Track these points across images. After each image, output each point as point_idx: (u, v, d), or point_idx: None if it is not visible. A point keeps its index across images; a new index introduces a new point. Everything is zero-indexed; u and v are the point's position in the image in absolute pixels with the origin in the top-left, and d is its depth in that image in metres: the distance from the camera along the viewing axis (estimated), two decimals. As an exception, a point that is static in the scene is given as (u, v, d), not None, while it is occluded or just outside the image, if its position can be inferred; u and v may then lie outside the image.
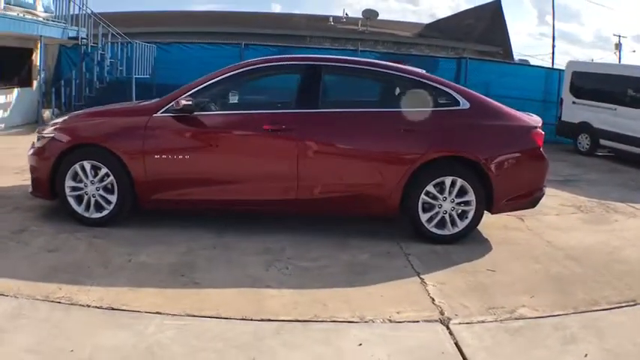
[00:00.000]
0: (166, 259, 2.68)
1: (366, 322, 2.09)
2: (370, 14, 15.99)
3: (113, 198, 3.09)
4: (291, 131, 3.07)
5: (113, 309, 2.05)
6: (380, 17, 16.67)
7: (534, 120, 3.49)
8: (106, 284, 2.29)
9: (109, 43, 9.31)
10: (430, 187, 3.15)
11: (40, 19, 8.21)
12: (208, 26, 14.78)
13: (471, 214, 3.20)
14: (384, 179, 3.13)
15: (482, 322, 2.14)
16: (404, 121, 3.16)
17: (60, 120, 3.40)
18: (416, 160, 3.10)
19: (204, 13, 17.99)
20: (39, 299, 2.07)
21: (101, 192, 3.09)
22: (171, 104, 3.08)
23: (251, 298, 2.26)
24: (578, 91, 8.77)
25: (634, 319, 2.24)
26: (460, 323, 2.12)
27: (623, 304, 2.37)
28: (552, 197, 4.81)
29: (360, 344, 1.90)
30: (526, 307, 2.31)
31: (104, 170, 3.06)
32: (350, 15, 17.10)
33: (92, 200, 3.10)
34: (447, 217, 3.20)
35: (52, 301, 2.07)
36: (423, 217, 3.18)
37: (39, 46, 9.16)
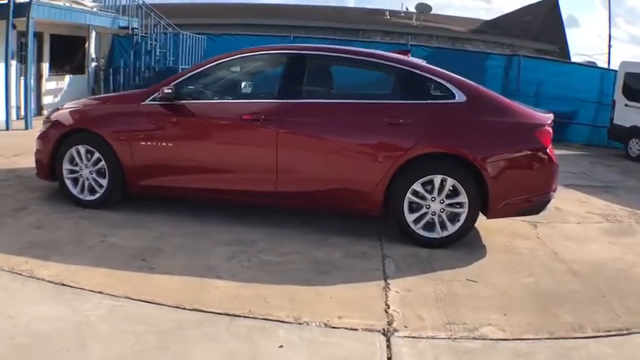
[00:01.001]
0: (137, 242, 2.85)
1: (299, 323, 2.07)
2: (423, 8, 15.87)
3: (105, 182, 3.34)
4: (271, 121, 3.09)
5: (63, 285, 2.24)
6: (448, 13, 16.75)
7: (542, 117, 3.21)
8: (69, 262, 2.50)
9: (160, 34, 10.08)
10: (417, 186, 3.02)
11: (88, 8, 9.10)
12: (260, 18, 15.45)
13: (462, 217, 3.03)
14: (366, 175, 3.06)
15: (432, 338, 2.02)
16: (388, 114, 3.06)
17: (64, 106, 3.75)
18: (400, 157, 2.98)
19: (256, 5, 18.90)
20: (5, 270, 2.33)
21: (94, 175, 3.35)
22: (157, 93, 3.27)
23: (195, 287, 2.34)
24: (631, 93, 8.38)
25: (620, 352, 1.97)
26: (405, 337, 2.01)
27: (613, 333, 2.10)
28: (582, 204, 4.57)
29: (281, 346, 1.89)
30: (492, 326, 2.13)
31: (97, 155, 3.32)
32: (410, 10, 17.21)
33: (86, 183, 3.38)
34: (436, 218, 3.05)
35: (15, 273, 2.31)
36: (410, 217, 3.06)
37: (92, 34, 10.24)
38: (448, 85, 3.11)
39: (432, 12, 16.27)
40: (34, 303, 2.08)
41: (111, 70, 9.92)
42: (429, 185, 3.03)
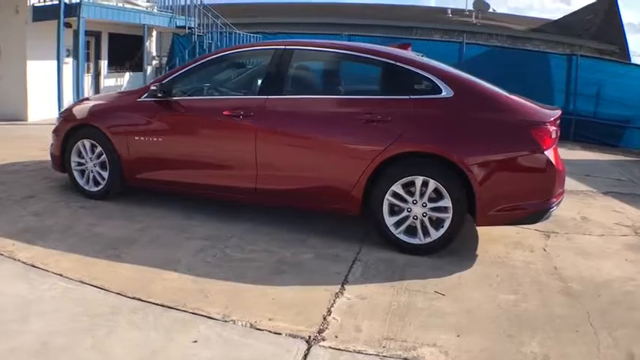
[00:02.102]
0: (118, 233, 3.11)
1: (225, 321, 2.12)
2: (481, 6, 15.78)
3: (106, 175, 3.69)
4: (250, 118, 3.18)
5: (33, 266, 2.54)
6: (523, 13, 17.11)
7: (541, 113, 2.94)
8: (49, 247, 2.81)
9: (217, 32, 10.87)
10: (397, 187, 2.92)
11: (143, 8, 10.00)
12: (315, 17, 16.15)
13: (446, 223, 2.88)
14: (344, 174, 3.02)
15: (358, 352, 1.95)
16: (365, 110, 2.99)
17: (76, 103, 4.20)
18: (377, 156, 2.91)
19: (311, 4, 19.60)
20: (-9, 251, 2.74)
21: (97, 168, 3.72)
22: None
23: (148, 277, 2.50)
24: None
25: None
26: (329, 347, 1.97)
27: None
28: (615, 214, 4.20)
29: (195, 341, 1.96)
30: (436, 347, 2.00)
31: (99, 149, 3.68)
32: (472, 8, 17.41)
33: (91, 175, 3.76)
34: (418, 223, 2.93)
35: (-2, 254, 2.71)
36: (390, 220, 2.97)
37: (153, 33, 11.27)
38: (434, 79, 2.97)
39: (501, 10, 16.79)
40: (2, 281, 2.38)
41: (168, 68, 10.87)
42: (410, 187, 2.92)
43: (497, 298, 2.49)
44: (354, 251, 3.01)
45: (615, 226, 3.94)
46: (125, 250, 2.86)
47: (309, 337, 2.04)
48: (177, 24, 10.83)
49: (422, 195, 2.90)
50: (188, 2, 10.84)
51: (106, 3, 8.77)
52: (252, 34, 11.32)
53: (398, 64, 3.08)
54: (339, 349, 1.96)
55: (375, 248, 3.05)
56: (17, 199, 3.69)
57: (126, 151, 3.58)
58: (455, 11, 17.32)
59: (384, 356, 1.93)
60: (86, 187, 3.79)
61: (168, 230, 3.21)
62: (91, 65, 9.92)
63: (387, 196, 2.95)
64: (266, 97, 3.21)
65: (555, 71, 9.77)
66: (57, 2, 7.58)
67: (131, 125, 3.55)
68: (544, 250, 3.27)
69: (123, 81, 10.68)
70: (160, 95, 3.38)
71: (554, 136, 2.96)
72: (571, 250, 3.29)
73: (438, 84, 2.96)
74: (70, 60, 8.41)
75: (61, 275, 2.47)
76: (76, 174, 3.82)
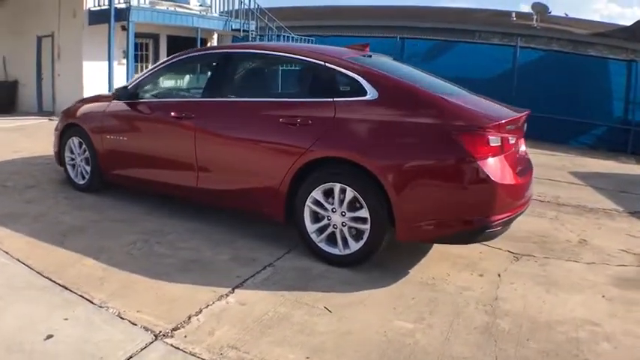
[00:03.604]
0: (77, 222, 3.63)
1: (101, 307, 2.44)
2: (540, 8, 15.42)
3: (89, 169, 4.33)
4: (190, 119, 3.50)
5: (-12, 244, 3.19)
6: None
7: (481, 118, 2.78)
8: (16, 229, 3.40)
9: (273, 35, 11.64)
10: (317, 194, 3.01)
11: (195, 12, 10.98)
12: (370, 19, 16.88)
13: (365, 235, 2.89)
14: (267, 178, 3.19)
15: (193, 354, 2.10)
16: (285, 113, 3.11)
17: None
18: (296, 160, 3.01)
19: (367, 7, 20.64)
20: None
21: (83, 163, 4.35)
22: (118, 92, 4.06)
23: (70, 262, 2.93)
24: None
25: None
26: (171, 344, 2.16)
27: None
28: (628, 238, 3.96)
29: (66, 319, 2.32)
30: None
31: (84, 146, 4.31)
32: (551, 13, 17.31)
33: (79, 169, 4.42)
34: (337, 233, 3.00)
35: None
36: (311, 227, 3.07)
37: (213, 36, 12.32)
38: (360, 80, 2.97)
39: (572, 14, 16.23)
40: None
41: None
42: (330, 194, 2.99)
43: (391, 324, 2.44)
44: (276, 257, 3.16)
45: (617, 254, 3.60)
46: (71, 237, 3.35)
47: (160, 332, 2.26)
48: (233, 27, 11.73)
49: (341, 203, 2.95)
50: (244, 6, 11.76)
51: (158, 7, 9.85)
52: (305, 37, 11.91)
53: (326, 64, 3.14)
54: (177, 348, 2.16)
55: (300, 256, 3.17)
56: (21, 188, 4.46)
57: (101, 148, 4.14)
58: (519, 15, 16.97)
59: None
60: (75, 180, 4.46)
61: (120, 223, 3.67)
62: (149, 66, 11.18)
63: (308, 203, 3.04)
64: (204, 99, 3.54)
65: (614, 78, 9.22)
66: (107, 7, 8.77)
67: (103, 125, 4.11)
68: (498, 275, 3.10)
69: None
70: (121, 98, 3.89)
71: (496, 143, 2.78)
72: (535, 278, 3.08)
73: (364, 85, 2.97)
74: (125, 61, 9.62)
75: (7, 253, 3.02)
76: (69, 168, 4.51)
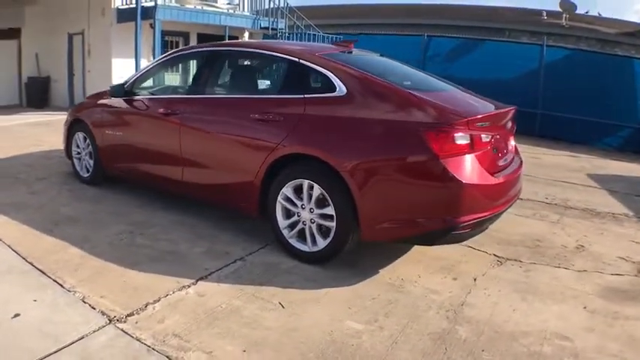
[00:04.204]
0: (73, 212, 3.93)
1: (69, 291, 2.67)
2: (568, 6, 15.27)
3: (92, 163, 4.68)
4: (176, 115, 3.71)
5: (-14, 230, 3.52)
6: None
7: (449, 113, 2.79)
8: (15, 217, 3.72)
9: (301, 33, 11.93)
10: (288, 190, 3.12)
11: (223, 10, 11.33)
12: (400, 17, 17.23)
13: (332, 233, 2.97)
14: (242, 173, 3.33)
15: (138, 339, 2.26)
16: (259, 109, 3.23)
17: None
18: (268, 156, 3.13)
19: (396, 5, 20.30)
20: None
21: (87, 157, 4.68)
22: (115, 89, 4.33)
23: (55, 249, 3.19)
24: None
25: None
26: (121, 329, 2.34)
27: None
28: (632, 245, 3.88)
29: (35, 300, 2.56)
30: (208, 355, 2.17)
31: (87, 140, 4.66)
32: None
33: (84, 163, 4.75)
34: (307, 229, 3.09)
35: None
36: (283, 223, 3.19)
37: (244, 34, 12.70)
38: (330, 76, 3.05)
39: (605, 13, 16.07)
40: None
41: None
42: (300, 191, 3.09)
43: (340, 324, 2.49)
44: (250, 251, 3.30)
45: (614, 261, 3.49)
46: (62, 227, 3.63)
47: (114, 317, 2.45)
48: (262, 25, 12.04)
49: (309, 200, 3.04)
50: (273, 5, 12.05)
51: (184, 5, 10.26)
52: (334, 35, 12.08)
53: (300, 60, 3.24)
54: (125, 332, 2.33)
55: (273, 252, 3.29)
56: (31, 180, 4.84)
57: (101, 143, 4.44)
58: (550, 13, 16.75)
59: (154, 349, 2.22)
60: (81, 173, 4.79)
61: (112, 215, 3.93)
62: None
63: (280, 199, 3.16)
64: (188, 96, 3.74)
65: (640, 78, 8.73)
66: (134, 5, 9.23)
67: (102, 121, 4.41)
68: (474, 280, 3.08)
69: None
70: (115, 95, 4.17)
71: (463, 141, 2.77)
72: (514, 285, 3.03)
73: (334, 81, 3.04)
74: (152, 58, 10.10)
75: (0, 240, 3.34)
76: (75, 161, 4.85)
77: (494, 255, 3.49)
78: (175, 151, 3.74)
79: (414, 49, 10.63)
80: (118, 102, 4.24)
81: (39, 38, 10.54)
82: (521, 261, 3.42)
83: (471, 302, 2.79)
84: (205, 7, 10.84)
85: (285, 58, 3.34)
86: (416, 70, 3.74)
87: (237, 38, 12.28)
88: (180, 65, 4.27)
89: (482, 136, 2.90)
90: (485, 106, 3.19)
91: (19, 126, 8.27)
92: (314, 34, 12.06)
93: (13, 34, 10.30)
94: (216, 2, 11.29)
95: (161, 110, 3.81)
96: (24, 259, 3.09)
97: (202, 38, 11.79)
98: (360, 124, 2.91)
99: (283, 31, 12.07)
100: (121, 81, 4.33)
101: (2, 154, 5.86)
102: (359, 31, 13.00)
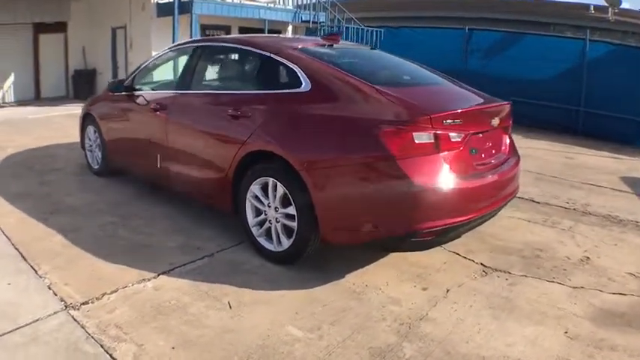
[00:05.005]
0: (74, 202, 4.28)
1: (40, 276, 2.95)
2: (613, 1, 15.22)
3: (100, 155, 5.06)
4: (164, 111, 3.94)
5: (-12, 216, 3.94)
6: None
7: (410, 110, 2.71)
8: (17, 206, 4.12)
9: (343, 27, 12.13)
10: (255, 188, 3.22)
11: (262, 4, 11.63)
12: (445, 10, 17.65)
13: (294, 233, 3.04)
14: (215, 169, 3.47)
15: (83, 326, 2.47)
16: (232, 105, 3.34)
17: None
18: (237, 153, 3.24)
19: None
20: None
21: (97, 149, 5.08)
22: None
23: (43, 237, 3.52)
24: None
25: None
26: (72, 316, 2.56)
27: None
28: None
29: (9, 284, 2.87)
30: (138, 347, 2.32)
31: (97, 133, 5.06)
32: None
33: (94, 155, 5.14)
34: (272, 228, 3.19)
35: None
36: (252, 221, 3.30)
37: (288, 28, 13.02)
38: (297, 71, 3.09)
39: None
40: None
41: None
42: (267, 189, 3.17)
43: (280, 329, 2.53)
44: (222, 248, 3.44)
45: (621, 278, 3.25)
46: (58, 216, 3.98)
47: (70, 304, 2.68)
48: (303, 18, 12.26)
49: (275, 198, 3.11)
50: None
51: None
52: (375, 28, 12.11)
53: (271, 55, 3.32)
54: (74, 319, 2.54)
55: (245, 250, 3.40)
56: (47, 170, 5.31)
57: (106, 136, 4.80)
58: (597, 7, 16.74)
59: (93, 337, 2.41)
60: (92, 165, 5.20)
61: (108, 205, 4.25)
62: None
63: (249, 196, 3.26)
64: (173, 91, 3.98)
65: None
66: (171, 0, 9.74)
67: (107, 115, 4.76)
68: (446, 291, 2.99)
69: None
70: (112, 90, 4.50)
71: (424, 140, 2.67)
72: (491, 299, 2.90)
73: (300, 76, 3.08)
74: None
75: (-2, 227, 3.77)
76: (88, 153, 5.26)
77: (482, 264, 3.37)
78: (163, 146, 3.98)
79: (454, 43, 10.58)
80: (119, 97, 4.56)
81: (84, 32, 11.41)
82: (510, 272, 3.27)
83: (432, 317, 2.70)
84: (244, 1, 11.19)
85: (257, 53, 3.45)
86: (409, 64, 3.71)
87: (279, 32, 12.58)
88: (172, 61, 4.48)
89: (452, 134, 2.79)
90: (467, 103, 3.08)
91: (59, 117, 9.03)
92: (355, 28, 12.10)
93: (60, 28, 11.23)
94: (258, -4, 11.67)
95: (151, 106, 4.07)
96: (13, 245, 3.44)
97: (244, 32, 12.17)
98: (320, 120, 2.93)
99: (324, 24, 12.21)
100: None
101: (32, 144, 6.46)
102: (401, 24, 13.00)
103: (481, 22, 14.12)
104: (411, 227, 2.70)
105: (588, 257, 3.58)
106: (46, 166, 5.48)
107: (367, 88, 2.91)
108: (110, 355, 2.30)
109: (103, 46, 11.50)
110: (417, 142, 2.66)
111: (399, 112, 2.73)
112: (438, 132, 2.71)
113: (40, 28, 10.92)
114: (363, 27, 12.26)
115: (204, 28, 11.47)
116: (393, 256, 3.39)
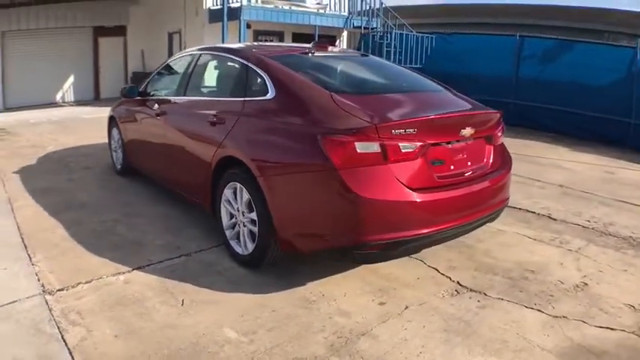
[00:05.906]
0: (89, 199, 4.83)
1: (32, 264, 3.41)
2: None
3: (122, 156, 5.61)
4: (163, 115, 4.37)
5: (9, 204, 4.57)
6: None
7: (361, 118, 2.78)
8: (37, 200, 4.73)
9: (394, 33, 12.41)
10: (228, 192, 3.49)
11: (312, 10, 12.04)
12: (500, 17, 18.42)
13: (256, 238, 3.27)
14: (197, 173, 3.80)
15: (51, 310, 2.85)
16: (210, 112, 3.66)
17: None
18: (212, 158, 3.55)
19: (488, 5, 20.52)
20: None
21: (119, 150, 5.64)
22: (131, 89, 5.18)
23: (49, 228, 4.03)
24: None
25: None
26: (45, 300, 2.97)
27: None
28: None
29: (5, 269, 3.35)
30: (80, 336, 2.64)
31: (119, 135, 5.64)
32: None
33: (118, 155, 5.71)
34: (241, 232, 3.45)
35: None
36: (227, 224, 3.58)
37: (343, 34, 13.41)
38: (266, 79, 3.33)
39: None
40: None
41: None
42: (237, 193, 3.41)
43: (218, 330, 2.72)
44: (201, 248, 3.76)
45: (616, 309, 3.08)
46: (70, 211, 4.52)
47: (47, 289, 3.11)
48: (355, 24, 12.55)
49: (242, 203, 3.35)
50: (367, 6, 12.52)
51: (267, 6, 11.21)
52: (427, 35, 12.22)
53: (248, 63, 3.59)
54: (46, 303, 2.95)
55: (222, 252, 3.68)
56: (78, 168, 5.99)
57: (125, 138, 5.35)
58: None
59: (54, 319, 2.78)
60: (116, 165, 5.79)
61: (119, 204, 4.74)
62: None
63: (223, 200, 3.55)
64: (172, 97, 4.41)
65: None
66: (220, 7, 10.42)
67: (125, 118, 5.32)
68: (405, 308, 3.00)
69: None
70: (125, 96, 5.04)
71: (368, 150, 2.71)
72: (450, 322, 2.85)
73: (267, 84, 3.32)
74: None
75: (15, 218, 4.34)
76: (113, 154, 5.87)
77: (457, 283, 3.34)
78: (162, 148, 4.42)
79: (506, 50, 10.61)
80: (134, 102, 5.09)
81: (143, 36, 12.49)
82: (485, 294, 3.19)
83: (375, 333, 2.72)
84: (293, 7, 11.67)
85: (236, 60, 3.77)
86: (395, 71, 3.86)
87: (334, 38, 12.96)
88: (175, 69, 4.95)
89: (403, 145, 2.80)
90: (430, 112, 3.08)
91: (111, 118, 9.98)
92: (406, 34, 12.17)
93: (120, 31, 12.39)
94: (305, 2, 12.07)
95: (155, 111, 4.53)
96: (20, 235, 3.99)
97: (296, 38, 12.70)
98: (278, 128, 3.15)
99: (377, 30, 12.39)
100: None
101: (73, 142, 7.27)
102: (453, 31, 13.05)
103: (539, 30, 14.22)
104: (357, 239, 2.78)
105: (585, 283, 3.43)
106: (78, 164, 6.18)
107: (323, 97, 3.05)
108: (62, 336, 2.67)
109: (160, 50, 12.49)
110: (360, 151, 2.71)
111: (345, 120, 2.82)
112: (385, 142, 2.74)
113: (100, 32, 12.13)
114: (414, 33, 12.36)
115: (257, 34, 12.10)
116: (365, 268, 3.46)
